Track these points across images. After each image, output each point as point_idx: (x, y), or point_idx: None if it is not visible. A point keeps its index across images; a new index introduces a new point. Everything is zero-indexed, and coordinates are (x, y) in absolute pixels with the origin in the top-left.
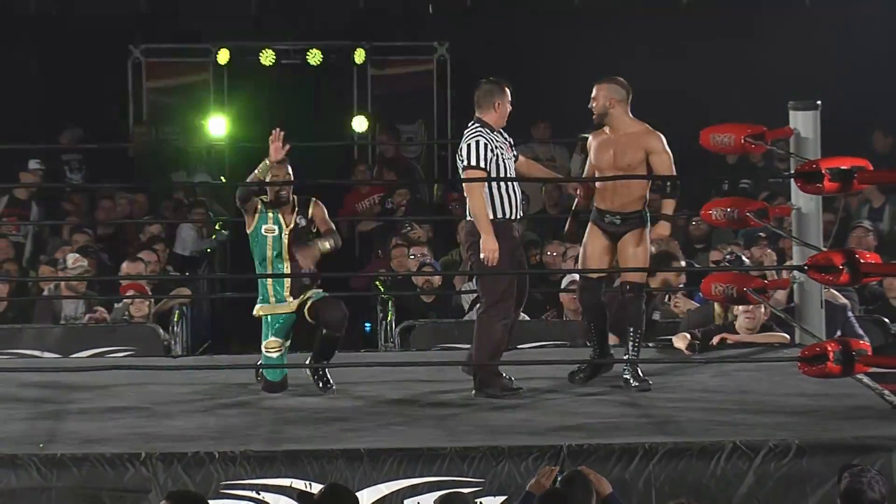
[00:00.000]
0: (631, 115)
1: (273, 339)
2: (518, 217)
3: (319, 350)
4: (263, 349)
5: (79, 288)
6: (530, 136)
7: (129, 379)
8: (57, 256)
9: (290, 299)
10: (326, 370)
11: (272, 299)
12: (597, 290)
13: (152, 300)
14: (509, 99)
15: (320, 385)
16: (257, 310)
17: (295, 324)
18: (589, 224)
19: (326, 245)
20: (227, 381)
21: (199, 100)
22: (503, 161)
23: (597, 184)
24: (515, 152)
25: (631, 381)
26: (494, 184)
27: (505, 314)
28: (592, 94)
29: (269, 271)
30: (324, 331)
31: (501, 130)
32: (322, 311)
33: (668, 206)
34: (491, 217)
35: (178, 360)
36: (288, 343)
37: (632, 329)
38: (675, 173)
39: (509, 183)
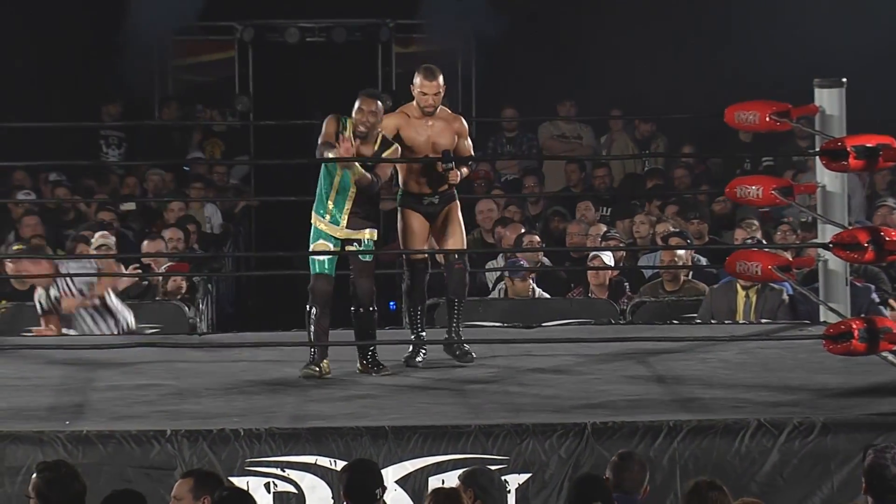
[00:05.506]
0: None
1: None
2: None
3: (358, 329)
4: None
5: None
6: (556, 113)
7: (154, 356)
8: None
9: (343, 227)
10: (375, 352)
11: (328, 216)
12: (425, 273)
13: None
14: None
15: (373, 368)
16: (314, 218)
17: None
18: (403, 210)
19: (367, 176)
20: (253, 358)
21: (225, 78)
22: None
23: (410, 170)
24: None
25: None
26: None
27: None
28: (434, 91)
29: (332, 198)
30: (354, 309)
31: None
32: (351, 283)
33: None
34: None
35: (203, 338)
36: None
37: (457, 300)
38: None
39: None
